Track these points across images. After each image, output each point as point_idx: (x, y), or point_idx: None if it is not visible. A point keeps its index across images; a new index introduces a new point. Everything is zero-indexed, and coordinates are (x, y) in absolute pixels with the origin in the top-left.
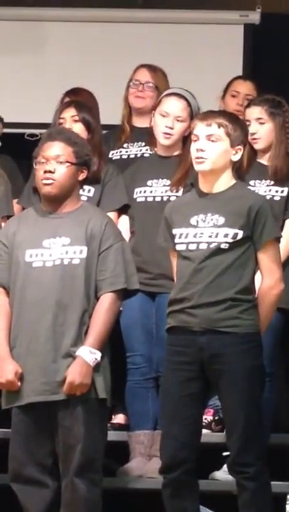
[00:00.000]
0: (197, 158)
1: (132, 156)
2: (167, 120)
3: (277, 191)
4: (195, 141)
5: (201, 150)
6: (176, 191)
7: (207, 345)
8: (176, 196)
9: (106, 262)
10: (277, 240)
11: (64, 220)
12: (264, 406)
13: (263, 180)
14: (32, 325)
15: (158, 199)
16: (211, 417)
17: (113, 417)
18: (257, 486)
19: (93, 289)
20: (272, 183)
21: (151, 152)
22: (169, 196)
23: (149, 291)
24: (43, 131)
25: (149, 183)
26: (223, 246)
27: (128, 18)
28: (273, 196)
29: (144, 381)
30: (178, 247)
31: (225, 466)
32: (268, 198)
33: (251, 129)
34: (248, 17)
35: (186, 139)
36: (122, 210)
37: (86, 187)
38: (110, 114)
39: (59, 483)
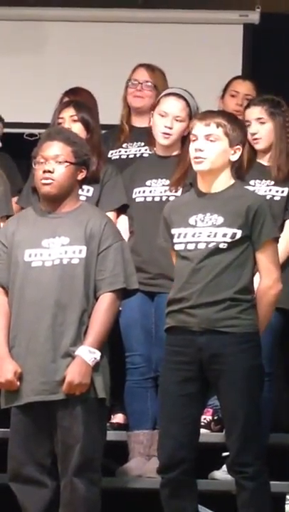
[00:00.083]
0: (196, 158)
1: (131, 156)
2: (166, 120)
3: (277, 191)
4: (194, 140)
5: (200, 150)
6: (175, 191)
7: (206, 345)
8: (175, 196)
9: (105, 261)
10: (276, 240)
11: (63, 219)
12: (263, 406)
13: (264, 180)
14: (31, 325)
15: (157, 199)
16: (210, 417)
17: (112, 416)
18: (256, 486)
19: (92, 289)
20: (273, 183)
21: (150, 152)
22: (168, 196)
23: (148, 291)
24: (42, 131)
25: (148, 183)
26: (221, 246)
27: (128, 18)
28: (273, 196)
29: (143, 381)
30: (176, 247)
31: (224, 465)
32: (268, 197)
33: (252, 129)
34: (248, 17)
35: (185, 139)
36: (121, 210)
37: (85, 187)
38: (110, 114)
39: (58, 483)
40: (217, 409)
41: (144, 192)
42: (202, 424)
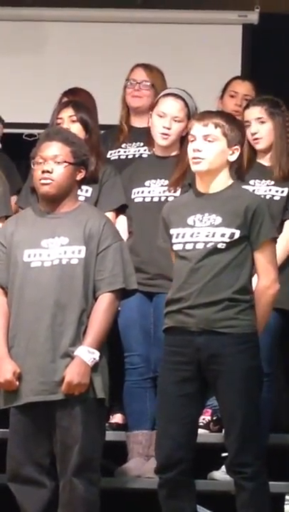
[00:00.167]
0: (194, 158)
1: (130, 157)
2: (164, 121)
3: (277, 191)
4: (192, 141)
5: (198, 150)
6: (174, 191)
7: (204, 345)
8: (174, 196)
9: (104, 261)
10: (274, 240)
11: (62, 220)
12: (263, 406)
13: (263, 180)
14: (30, 325)
15: (156, 199)
16: (209, 417)
17: (111, 417)
18: (255, 486)
19: (91, 289)
20: (273, 183)
21: (149, 152)
22: (167, 196)
23: (147, 291)
24: (42, 131)
25: (146, 183)
26: (220, 246)
27: (127, 18)
28: (273, 196)
29: (142, 381)
30: (175, 247)
31: (223, 466)
32: (267, 197)
33: (252, 129)
34: (247, 17)
35: (183, 139)
36: (120, 211)
37: (84, 187)
38: (109, 114)
39: (57, 483)
40: (216, 410)
41: (142, 192)
42: (201, 424)
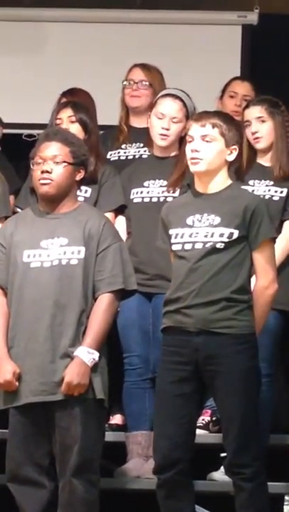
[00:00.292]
0: (192, 158)
1: (130, 157)
2: (163, 121)
3: (276, 191)
4: (190, 142)
5: (196, 151)
6: (173, 192)
7: (202, 345)
8: (173, 197)
9: (104, 262)
10: (273, 240)
11: (62, 220)
12: (263, 407)
13: (263, 180)
14: (30, 325)
15: (154, 200)
16: (209, 418)
17: (111, 417)
18: (254, 487)
19: (91, 290)
20: (272, 183)
21: (149, 153)
22: (166, 197)
23: (145, 291)
24: (41, 131)
25: (145, 183)
26: (218, 245)
27: (126, 18)
28: (272, 196)
29: (141, 382)
30: (174, 247)
31: (223, 466)
32: (266, 198)
33: (252, 128)
34: (246, 18)
35: (182, 140)
36: (119, 211)
37: (83, 187)
38: (109, 114)
39: (56, 484)
40: (215, 410)
41: (141, 193)
42: (200, 425)
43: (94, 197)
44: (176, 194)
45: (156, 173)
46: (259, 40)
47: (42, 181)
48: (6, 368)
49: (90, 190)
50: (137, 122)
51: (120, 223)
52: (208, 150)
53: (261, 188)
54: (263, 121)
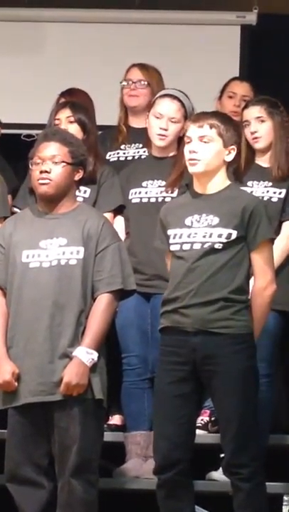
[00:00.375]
0: (190, 159)
1: (129, 158)
2: (161, 122)
3: (275, 192)
4: (188, 142)
5: (194, 152)
6: (171, 192)
7: (200, 345)
8: (171, 197)
9: (103, 262)
10: (272, 241)
11: (60, 220)
12: (263, 407)
13: (261, 182)
14: (29, 325)
15: (153, 200)
16: (208, 418)
17: (110, 417)
18: (252, 487)
19: (90, 290)
20: (270, 184)
21: (148, 154)
22: (164, 197)
23: (144, 292)
24: (40, 131)
25: (144, 184)
26: (217, 246)
27: (125, 19)
28: (271, 197)
29: (139, 382)
30: (172, 248)
31: None
32: (265, 199)
33: (252, 128)
34: (245, 18)
35: (181, 140)
36: (118, 211)
37: (82, 188)
38: (108, 115)
39: (55, 484)
40: (214, 411)
41: (140, 193)
42: (199, 425)
43: (93, 197)
44: (175, 194)
45: (154, 174)
46: (258, 40)
47: (41, 181)
48: (5, 368)
49: (89, 190)
50: (135, 122)
51: (119, 223)
52: (206, 151)
53: (260, 189)
54: (262, 121)
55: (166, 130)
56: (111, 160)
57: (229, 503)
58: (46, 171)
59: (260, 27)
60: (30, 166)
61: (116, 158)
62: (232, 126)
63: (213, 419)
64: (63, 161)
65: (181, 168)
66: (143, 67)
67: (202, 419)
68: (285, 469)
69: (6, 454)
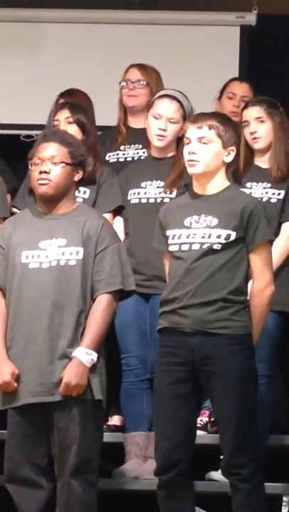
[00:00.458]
0: (189, 161)
1: (128, 159)
2: (160, 122)
3: (274, 193)
4: (187, 143)
5: (193, 153)
6: (170, 193)
7: (198, 346)
8: (170, 198)
9: (102, 263)
10: (270, 242)
11: (60, 221)
12: (262, 407)
13: (260, 183)
14: (29, 326)
15: (152, 201)
16: (207, 419)
17: (110, 418)
18: (251, 488)
19: (89, 290)
20: (269, 185)
21: (147, 154)
22: (163, 198)
23: (143, 292)
24: (40, 132)
25: (142, 184)
26: (215, 247)
27: (125, 19)
28: (270, 199)
29: (138, 382)
30: (171, 248)
31: None
32: (264, 200)
33: (251, 129)
34: (245, 18)
35: (180, 141)
36: (117, 212)
37: (81, 188)
38: (108, 115)
39: (54, 484)
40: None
41: (138, 194)
42: (199, 425)
43: (92, 198)
44: (173, 195)
45: (153, 174)
46: (257, 40)
47: (40, 182)
48: (4, 368)
49: (88, 191)
50: (135, 123)
51: (118, 224)
52: (205, 152)
53: (258, 191)
54: (261, 122)
55: (164, 131)
56: (110, 161)
57: (229, 504)
58: (45, 172)
59: (259, 27)
60: (29, 167)
61: (115, 160)
62: (231, 127)
63: (212, 419)
64: (63, 162)
65: (180, 169)
66: (142, 67)
67: (201, 420)
68: (285, 470)
69: (6, 455)
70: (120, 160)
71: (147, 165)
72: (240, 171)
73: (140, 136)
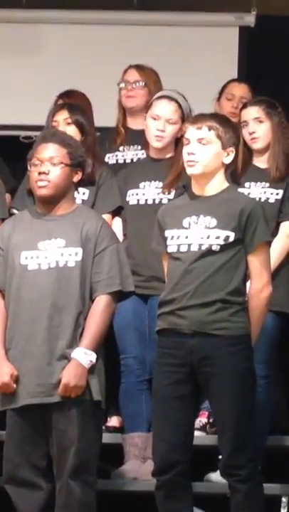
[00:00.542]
0: (188, 161)
1: (128, 161)
2: (158, 123)
3: (272, 193)
4: (186, 144)
5: (192, 153)
6: (168, 193)
7: (197, 347)
8: (168, 199)
9: (101, 264)
10: (269, 243)
11: (59, 222)
12: (261, 408)
13: (258, 183)
14: (27, 327)
15: (150, 201)
16: (206, 420)
17: (109, 419)
18: (249, 488)
19: (88, 291)
20: (268, 185)
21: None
22: (161, 199)
23: (141, 293)
24: (39, 133)
25: (141, 185)
26: (214, 248)
27: (124, 20)
28: (268, 199)
29: (137, 383)
30: (169, 249)
31: None
32: (262, 200)
33: (250, 129)
34: (243, 19)
35: (178, 142)
36: (116, 213)
37: (81, 189)
38: (107, 116)
39: (53, 485)
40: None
41: (137, 194)
42: (197, 426)
43: (92, 199)
44: (172, 196)
45: (151, 175)
46: (256, 41)
47: (39, 183)
48: (3, 369)
49: (87, 192)
50: (134, 124)
51: (117, 225)
52: (204, 153)
53: (257, 190)
54: (260, 122)
55: (163, 131)
56: (109, 162)
57: (227, 505)
58: (44, 173)
59: (258, 28)
60: (28, 168)
61: (114, 161)
62: (230, 128)
63: (211, 420)
64: (62, 163)
65: (178, 170)
66: (140, 67)
67: (200, 421)
68: (284, 470)
69: (5, 456)
70: (119, 161)
71: (146, 166)
72: (238, 171)
73: (139, 137)
